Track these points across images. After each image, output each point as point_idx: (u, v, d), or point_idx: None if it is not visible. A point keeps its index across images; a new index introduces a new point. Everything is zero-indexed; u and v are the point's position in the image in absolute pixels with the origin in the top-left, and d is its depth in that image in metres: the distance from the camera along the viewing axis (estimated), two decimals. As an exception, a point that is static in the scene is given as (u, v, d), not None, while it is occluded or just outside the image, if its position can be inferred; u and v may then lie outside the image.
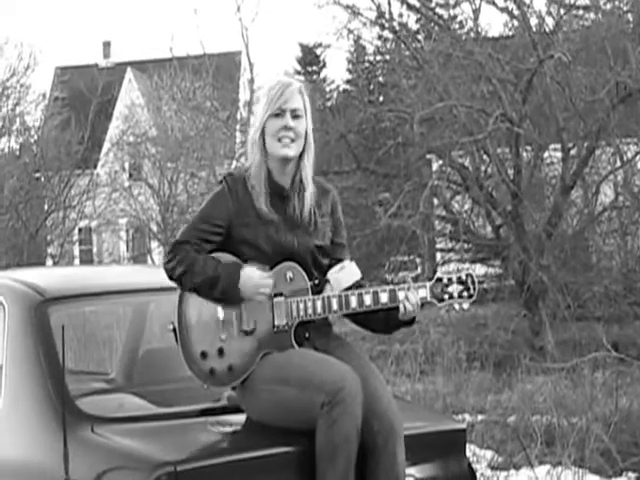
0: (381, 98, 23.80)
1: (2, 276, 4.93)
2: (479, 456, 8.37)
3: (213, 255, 3.99)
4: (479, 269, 18.24)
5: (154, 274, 5.69)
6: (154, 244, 33.34)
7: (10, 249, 25.82)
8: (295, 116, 4.03)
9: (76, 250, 34.17)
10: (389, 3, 18.60)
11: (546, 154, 18.55)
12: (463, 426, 4.43)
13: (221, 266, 3.92)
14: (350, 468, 3.68)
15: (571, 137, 17.58)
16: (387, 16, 18.78)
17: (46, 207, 29.43)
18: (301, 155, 4.07)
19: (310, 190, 4.07)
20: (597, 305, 16.85)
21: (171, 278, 4.00)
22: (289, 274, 3.98)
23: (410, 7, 19.24)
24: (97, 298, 4.80)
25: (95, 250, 34.97)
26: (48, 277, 5.00)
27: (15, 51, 35.65)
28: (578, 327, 16.06)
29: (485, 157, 17.99)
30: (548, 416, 9.48)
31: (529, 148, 18.04)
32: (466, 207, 18.83)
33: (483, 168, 18.30)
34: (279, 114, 4.02)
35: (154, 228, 32.56)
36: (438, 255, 19.73)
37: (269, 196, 4.02)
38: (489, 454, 8.62)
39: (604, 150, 18.60)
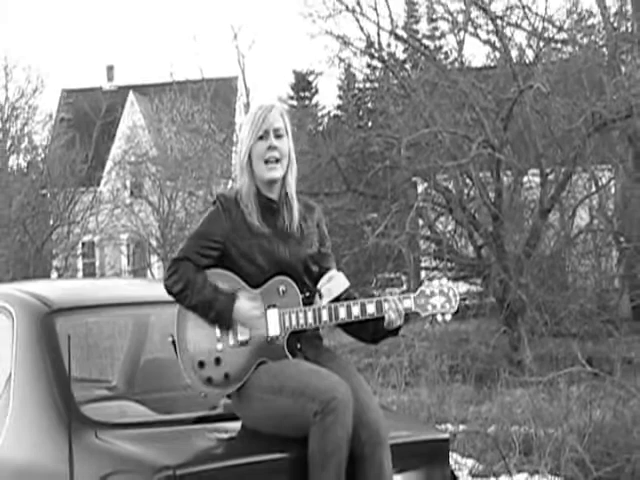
0: (369, 123, 23.85)
1: (11, 288, 4.93)
2: (461, 464, 8.37)
3: (214, 272, 4.01)
4: (461, 287, 18.26)
5: (154, 288, 5.70)
6: (154, 258, 33.33)
7: (17, 262, 25.78)
8: (278, 135, 4.07)
9: (79, 263, 34.11)
10: (378, 34, 18.66)
11: (525, 179, 18.60)
12: (446, 436, 4.41)
13: (217, 293, 3.95)
14: (341, 474, 3.69)
15: (549, 163, 17.62)
16: (376, 46, 18.82)
17: (51, 222, 29.41)
18: (285, 173, 4.11)
19: (296, 202, 4.13)
20: (573, 322, 16.86)
21: (170, 293, 4.01)
22: (282, 287, 3.99)
23: (398, 38, 19.30)
24: (100, 310, 4.80)
25: (98, 263, 34.90)
26: (55, 289, 5.00)
27: (24, 74, 35.69)
28: (555, 343, 16.09)
29: (468, 181, 18.01)
30: (526, 427, 9.50)
31: (509, 173, 18.07)
32: (449, 228, 18.85)
33: (466, 191, 18.32)
34: (263, 136, 4.06)
35: (154, 243, 32.57)
36: (423, 273, 19.74)
37: (260, 212, 4.06)
38: (470, 462, 8.63)
39: (580, 176, 18.68)
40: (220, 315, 3.94)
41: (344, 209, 17.67)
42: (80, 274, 33.65)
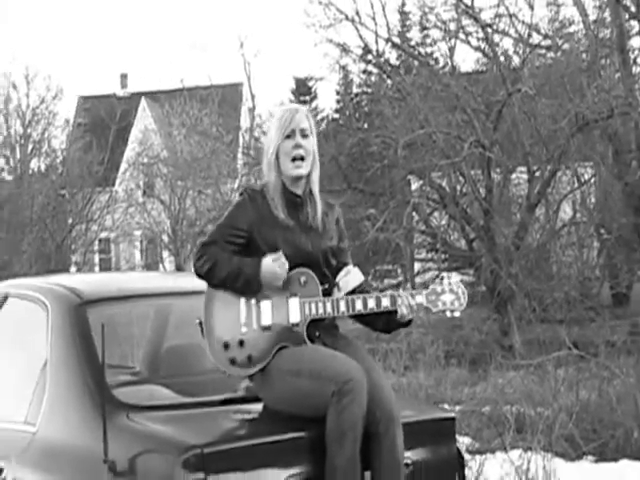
0: (366, 125, 23.80)
1: (44, 281, 4.94)
2: (458, 442, 8.36)
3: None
4: (454, 277, 18.24)
5: (175, 280, 5.73)
6: (165, 253, 33.36)
7: (39, 257, 25.81)
8: (304, 135, 4.09)
9: (96, 259, 34.15)
10: (376, 41, 18.66)
11: (514, 176, 18.64)
12: (453, 415, 4.42)
13: (243, 260, 3.96)
14: (356, 450, 3.70)
15: (536, 161, 17.65)
16: (374, 53, 18.82)
17: (70, 220, 29.44)
18: (310, 170, 4.13)
19: (319, 197, 4.15)
20: (558, 309, 16.86)
21: (199, 275, 4.01)
22: (303, 278, 4.00)
23: (394, 45, 19.30)
24: (127, 300, 4.80)
25: (113, 259, 34.93)
26: (85, 282, 5.01)
27: (44, 83, 35.73)
28: (542, 328, 16.05)
29: (460, 178, 18.03)
30: (518, 406, 9.49)
31: (499, 170, 18.09)
32: (443, 222, 18.87)
33: (458, 188, 18.34)
34: (290, 135, 4.07)
35: (165, 239, 32.60)
36: (418, 265, 19.75)
37: (285, 205, 4.07)
38: (467, 440, 8.63)
39: (564, 172, 18.69)
40: (248, 280, 3.93)
41: (345, 205, 17.63)
42: (97, 269, 33.70)
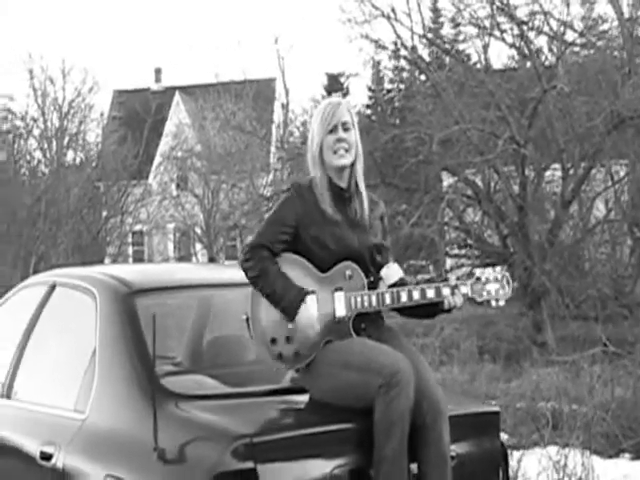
0: (398, 121, 23.75)
1: (92, 271, 4.96)
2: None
3: (286, 257, 4.03)
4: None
5: (220, 272, 5.73)
6: (198, 246, 33.48)
7: (75, 249, 25.96)
8: (345, 129, 4.10)
9: (130, 251, 34.31)
10: (412, 38, 18.60)
11: (548, 173, 18.51)
12: (497, 409, 4.40)
13: (288, 287, 3.95)
14: (404, 441, 3.70)
15: (570, 158, 17.53)
16: (409, 49, 18.76)
17: (105, 213, 29.59)
18: (353, 163, 4.12)
19: (365, 193, 4.14)
20: (591, 306, 16.79)
21: (246, 275, 4.03)
22: (348, 272, 4.00)
23: (429, 41, 19.25)
24: (175, 291, 4.82)
25: (147, 251, 35.08)
26: (132, 272, 5.02)
27: (80, 76, 35.91)
28: (575, 325, 16.02)
29: (494, 175, 17.95)
30: (553, 403, 9.44)
31: (533, 167, 17.99)
32: (477, 218, 18.80)
33: (492, 184, 18.27)
34: (333, 130, 4.08)
35: (198, 232, 32.70)
36: (451, 261, 19.68)
37: (332, 199, 4.07)
38: (503, 436, 8.56)
39: (599, 170, 18.57)
40: (285, 311, 3.96)
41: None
42: (130, 261, 33.87)
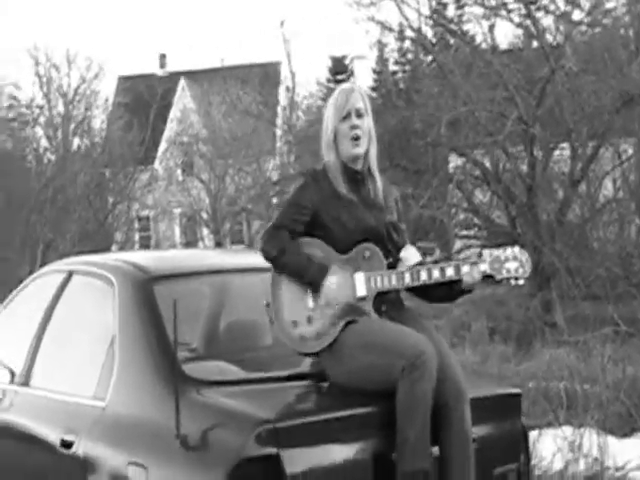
0: (404, 103, 23.63)
1: (109, 258, 4.95)
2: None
3: (305, 240, 4.04)
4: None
5: (234, 257, 5.72)
6: (205, 231, 33.47)
7: (82, 236, 25.96)
8: (359, 115, 4.11)
9: (136, 237, 34.30)
10: (419, 19, 18.52)
11: (556, 152, 18.46)
12: (519, 391, 4.38)
13: (310, 262, 3.99)
14: (427, 424, 3.70)
15: (578, 137, 17.47)
16: (416, 30, 18.68)
17: (112, 199, 29.58)
18: (367, 148, 4.14)
19: (378, 176, 4.17)
20: (601, 286, 16.75)
21: (267, 258, 4.03)
22: (367, 253, 4.02)
23: (436, 22, 19.16)
24: (190, 277, 4.81)
25: (153, 236, 35.06)
26: (149, 259, 5.01)
27: (85, 62, 35.87)
28: (585, 305, 15.99)
29: (503, 155, 17.91)
30: (565, 383, 9.44)
31: (541, 147, 17.93)
32: (486, 199, 18.77)
33: (501, 165, 18.23)
34: (346, 117, 4.09)
35: (204, 217, 32.70)
36: (460, 242, 19.65)
37: (346, 181, 4.10)
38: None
39: (607, 149, 18.50)
40: (312, 283, 3.99)
41: (388, 182, 17.58)
42: (137, 247, 33.87)
